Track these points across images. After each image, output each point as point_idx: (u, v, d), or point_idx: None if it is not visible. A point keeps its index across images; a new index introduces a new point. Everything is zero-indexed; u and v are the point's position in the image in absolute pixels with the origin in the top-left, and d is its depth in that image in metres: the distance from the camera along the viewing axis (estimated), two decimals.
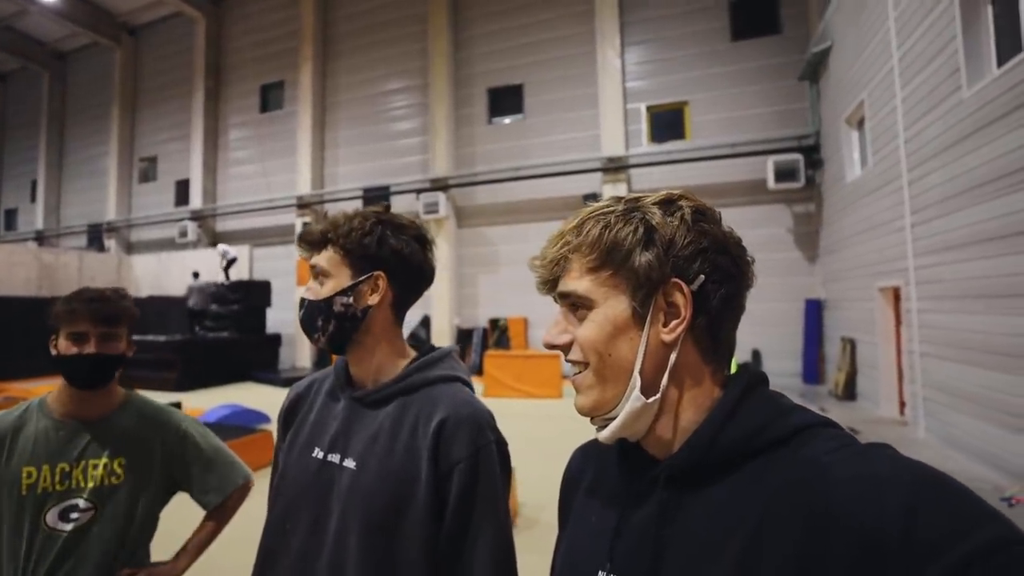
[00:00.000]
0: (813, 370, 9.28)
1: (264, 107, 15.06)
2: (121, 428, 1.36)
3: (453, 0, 12.53)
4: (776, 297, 9.80)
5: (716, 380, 0.60)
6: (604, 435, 0.60)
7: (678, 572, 0.53)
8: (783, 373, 9.44)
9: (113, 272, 14.67)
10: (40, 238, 18.11)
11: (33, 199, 19.05)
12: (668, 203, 0.60)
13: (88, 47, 18.02)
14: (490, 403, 1.04)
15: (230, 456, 1.48)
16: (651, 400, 0.57)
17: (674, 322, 0.58)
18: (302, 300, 0.97)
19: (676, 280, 0.57)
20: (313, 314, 0.95)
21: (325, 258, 0.96)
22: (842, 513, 0.45)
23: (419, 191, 12.10)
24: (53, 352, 1.31)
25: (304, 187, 13.63)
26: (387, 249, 0.96)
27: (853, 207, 7.68)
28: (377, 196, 12.26)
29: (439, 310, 11.88)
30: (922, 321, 5.52)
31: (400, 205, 11.34)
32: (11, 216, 20.02)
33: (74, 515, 1.28)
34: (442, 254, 11.97)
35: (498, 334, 11.16)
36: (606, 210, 0.60)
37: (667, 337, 0.58)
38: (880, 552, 0.41)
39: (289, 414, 1.05)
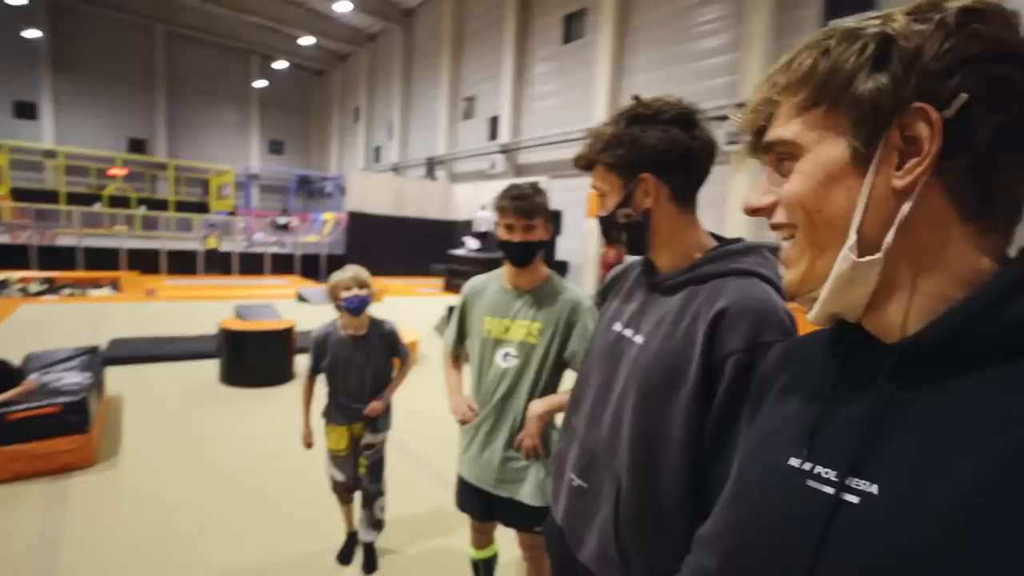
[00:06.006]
0: None
1: (567, 38, 15.39)
2: (540, 300, 1.72)
3: None
4: None
5: (983, 247, 0.44)
6: (812, 314, 0.51)
7: (897, 472, 0.43)
8: None
9: (441, 197, 17.79)
10: (395, 169, 23.08)
11: (391, 137, 24.22)
12: (930, 7, 0.44)
13: (428, 1, 21.11)
14: None
15: None
16: (865, 260, 0.46)
17: (912, 161, 0.44)
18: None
19: (921, 105, 0.43)
20: (606, 228, 1.04)
21: (597, 177, 1.02)
22: None
23: (723, 118, 10.81)
24: (497, 237, 1.70)
25: (598, 118, 13.68)
26: (643, 149, 0.94)
27: None
28: None
29: None
30: None
31: None
32: (378, 152, 26.04)
33: (509, 359, 1.71)
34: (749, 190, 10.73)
35: None
36: (830, 33, 0.47)
37: (899, 183, 0.45)
38: None
39: (604, 294, 1.21)
